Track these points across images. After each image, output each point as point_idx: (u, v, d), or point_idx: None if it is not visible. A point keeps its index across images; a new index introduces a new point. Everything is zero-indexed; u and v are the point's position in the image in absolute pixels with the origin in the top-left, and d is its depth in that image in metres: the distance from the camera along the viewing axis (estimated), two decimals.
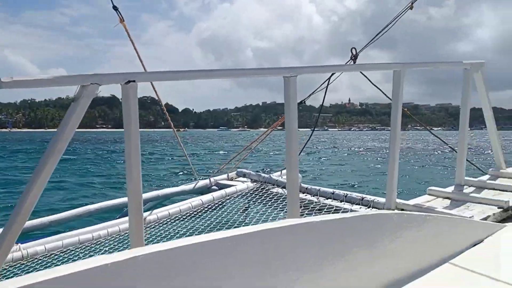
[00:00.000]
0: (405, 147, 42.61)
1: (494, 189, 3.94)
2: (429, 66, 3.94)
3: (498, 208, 3.37)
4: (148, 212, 3.98)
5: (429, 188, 3.95)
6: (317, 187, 4.33)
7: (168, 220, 4.04)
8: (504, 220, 3.26)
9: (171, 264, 1.13)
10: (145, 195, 4.24)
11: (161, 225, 3.97)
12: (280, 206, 3.96)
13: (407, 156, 29.64)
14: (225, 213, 4.16)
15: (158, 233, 3.78)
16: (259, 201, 4.29)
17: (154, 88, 4.08)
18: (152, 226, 3.91)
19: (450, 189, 3.93)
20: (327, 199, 4.13)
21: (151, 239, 3.61)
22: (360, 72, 3.86)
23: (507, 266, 1.95)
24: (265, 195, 4.37)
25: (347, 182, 15.74)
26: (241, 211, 4.21)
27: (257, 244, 1.32)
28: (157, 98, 4.43)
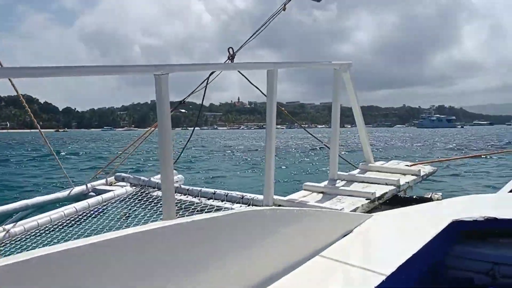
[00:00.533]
0: (285, 145, 42.83)
1: (363, 182, 4.19)
2: (300, 66, 4.08)
3: (366, 199, 3.59)
4: (12, 224, 3.62)
5: (305, 183, 4.10)
6: (199, 188, 4.28)
7: (37, 231, 3.71)
8: (371, 210, 3.47)
9: (25, 277, 1.00)
10: (11, 206, 3.87)
11: (29, 237, 3.63)
12: (161, 210, 3.84)
13: (288, 154, 30.17)
14: (102, 220, 3.92)
15: (25, 246, 3.45)
16: (138, 205, 4.13)
17: (13, 84, 3.72)
18: (18, 239, 3.57)
19: (324, 183, 4.11)
20: (208, 199, 4.10)
21: (16, 253, 3.28)
22: (238, 71, 3.89)
23: (374, 254, 2.02)
24: (145, 199, 4.21)
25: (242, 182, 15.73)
26: (118, 217, 4.01)
27: (119, 250, 1.22)
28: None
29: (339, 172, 4.30)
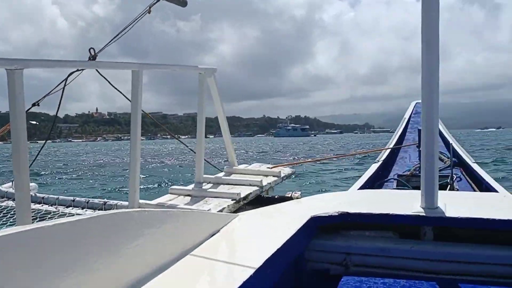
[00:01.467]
0: (151, 154, 41.80)
1: (228, 183, 4.29)
2: (167, 68, 4.06)
3: (231, 200, 3.68)
4: None
5: (171, 187, 4.07)
6: (56, 196, 3.99)
7: None
8: (237, 210, 3.55)
9: None
10: None
11: None
12: (11, 220, 3.50)
13: (153, 163, 29.65)
14: None
15: None
16: None
17: None
18: None
19: (191, 186, 4.12)
20: (67, 207, 3.85)
21: None
22: (96, 70, 3.71)
23: (241, 250, 2.07)
24: None
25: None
26: None
27: None
28: None
29: (205, 175, 4.35)
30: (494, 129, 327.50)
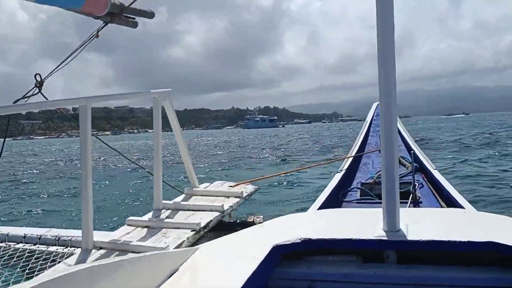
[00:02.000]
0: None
1: (188, 209, 4.15)
2: (119, 98, 3.90)
3: (191, 231, 3.55)
4: None
5: (128, 218, 3.90)
6: (7, 231, 3.78)
7: None
8: (198, 241, 3.44)
9: None
10: None
11: None
12: None
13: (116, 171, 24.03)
14: None
15: None
16: None
17: None
18: None
19: (148, 216, 3.97)
20: (18, 243, 3.65)
21: None
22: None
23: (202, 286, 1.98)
24: None
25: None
26: None
27: None
28: None
29: (164, 201, 4.20)
30: (460, 115, 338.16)
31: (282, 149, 34.94)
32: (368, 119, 7.81)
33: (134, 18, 4.03)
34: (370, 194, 4.56)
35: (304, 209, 4.67)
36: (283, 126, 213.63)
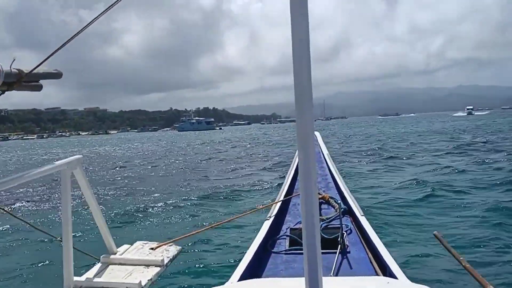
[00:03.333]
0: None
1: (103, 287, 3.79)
2: (22, 179, 3.47)
3: None
4: None
5: None
6: None
7: None
8: None
9: None
10: None
11: None
12: None
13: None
14: None
15: None
16: None
17: None
18: None
19: None
20: None
21: None
22: None
23: None
24: None
25: None
26: None
27: None
28: None
29: (76, 278, 3.80)
30: (393, 116, 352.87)
31: (207, 169, 26.38)
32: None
33: (38, 81, 3.64)
34: (300, 242, 4.28)
35: (227, 275, 4.24)
36: (220, 128, 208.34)
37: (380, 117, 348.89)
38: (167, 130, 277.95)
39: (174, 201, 14.85)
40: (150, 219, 12.23)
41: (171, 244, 4.54)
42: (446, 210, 10.71)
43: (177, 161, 34.56)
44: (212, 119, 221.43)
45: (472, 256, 7.02)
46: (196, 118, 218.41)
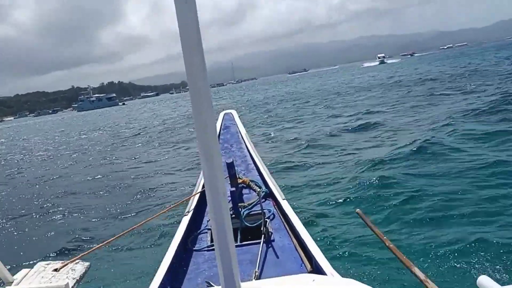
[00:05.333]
0: None
1: None
2: None
3: None
4: None
5: None
6: None
7: None
8: None
9: None
10: None
11: None
12: None
13: None
14: None
15: None
16: None
17: None
18: None
19: None
20: None
21: None
22: None
23: None
24: None
25: None
26: None
27: None
28: None
29: None
30: (300, 73, 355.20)
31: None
32: None
33: None
34: None
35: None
36: (124, 104, 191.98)
37: (289, 74, 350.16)
38: (68, 110, 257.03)
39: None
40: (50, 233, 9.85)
41: (77, 261, 3.29)
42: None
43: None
44: (114, 95, 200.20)
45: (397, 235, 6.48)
46: (96, 95, 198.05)
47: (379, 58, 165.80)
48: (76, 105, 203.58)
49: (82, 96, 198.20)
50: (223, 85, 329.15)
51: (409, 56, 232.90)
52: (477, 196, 7.31)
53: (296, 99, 40.89)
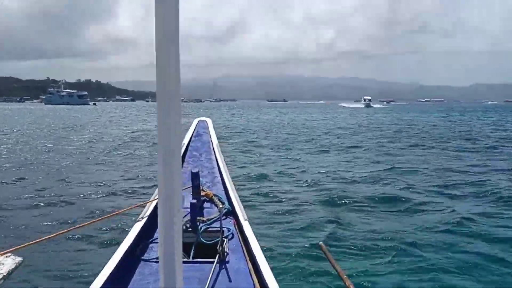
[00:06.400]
0: None
1: None
2: None
3: None
4: None
5: None
6: None
7: None
8: None
9: None
10: None
11: None
12: None
13: None
14: None
15: None
16: None
17: None
18: None
19: None
20: None
21: None
22: None
23: None
24: None
25: None
26: None
27: None
28: None
29: None
30: (279, 102, 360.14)
31: None
32: (185, 140, 6.00)
33: None
34: None
35: None
36: (95, 104, 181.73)
37: (268, 102, 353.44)
38: (35, 102, 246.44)
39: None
40: None
41: (8, 254, 2.98)
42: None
43: None
44: (86, 93, 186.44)
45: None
46: (67, 90, 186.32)
47: (365, 100, 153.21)
48: (44, 97, 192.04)
49: (52, 89, 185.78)
50: (201, 101, 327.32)
51: (386, 103, 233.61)
52: None
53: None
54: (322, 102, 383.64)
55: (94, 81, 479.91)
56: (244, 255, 3.62)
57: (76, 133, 35.48)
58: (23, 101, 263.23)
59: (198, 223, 3.83)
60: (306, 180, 13.68)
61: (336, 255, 6.41)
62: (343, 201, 10.79)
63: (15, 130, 38.03)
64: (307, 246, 7.35)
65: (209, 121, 6.70)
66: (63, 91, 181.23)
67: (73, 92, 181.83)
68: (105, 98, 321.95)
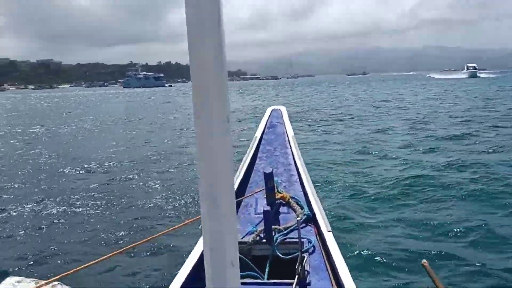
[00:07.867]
0: None
1: None
2: None
3: None
4: None
5: None
6: None
7: None
8: None
9: None
10: None
11: None
12: None
13: None
14: None
15: None
16: None
17: None
18: None
19: None
20: None
21: None
22: None
23: None
24: None
25: None
26: None
27: None
28: None
29: None
30: (359, 75, 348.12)
31: None
32: (258, 134, 5.15)
33: None
34: (246, 263, 3.13)
35: None
36: (171, 86, 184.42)
37: (348, 76, 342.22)
38: (116, 85, 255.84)
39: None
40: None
41: (55, 283, 2.69)
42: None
43: None
44: (162, 75, 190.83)
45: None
46: (144, 73, 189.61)
47: (468, 68, 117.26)
48: (123, 81, 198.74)
49: (130, 72, 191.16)
50: (278, 78, 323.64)
51: (489, 72, 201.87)
52: None
53: None
54: (413, 73, 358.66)
55: (173, 63, 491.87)
56: (329, 275, 3.12)
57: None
58: (106, 85, 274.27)
59: (274, 233, 3.39)
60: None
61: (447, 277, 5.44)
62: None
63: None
64: (405, 260, 6.02)
65: (283, 109, 5.84)
66: (139, 74, 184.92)
67: (149, 75, 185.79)
68: (184, 80, 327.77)
